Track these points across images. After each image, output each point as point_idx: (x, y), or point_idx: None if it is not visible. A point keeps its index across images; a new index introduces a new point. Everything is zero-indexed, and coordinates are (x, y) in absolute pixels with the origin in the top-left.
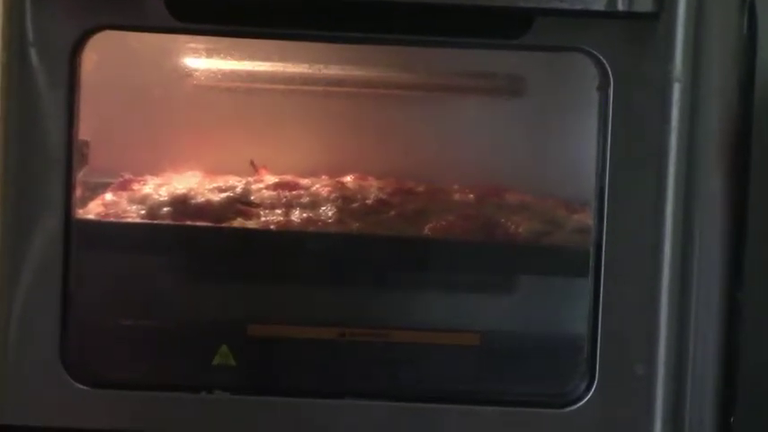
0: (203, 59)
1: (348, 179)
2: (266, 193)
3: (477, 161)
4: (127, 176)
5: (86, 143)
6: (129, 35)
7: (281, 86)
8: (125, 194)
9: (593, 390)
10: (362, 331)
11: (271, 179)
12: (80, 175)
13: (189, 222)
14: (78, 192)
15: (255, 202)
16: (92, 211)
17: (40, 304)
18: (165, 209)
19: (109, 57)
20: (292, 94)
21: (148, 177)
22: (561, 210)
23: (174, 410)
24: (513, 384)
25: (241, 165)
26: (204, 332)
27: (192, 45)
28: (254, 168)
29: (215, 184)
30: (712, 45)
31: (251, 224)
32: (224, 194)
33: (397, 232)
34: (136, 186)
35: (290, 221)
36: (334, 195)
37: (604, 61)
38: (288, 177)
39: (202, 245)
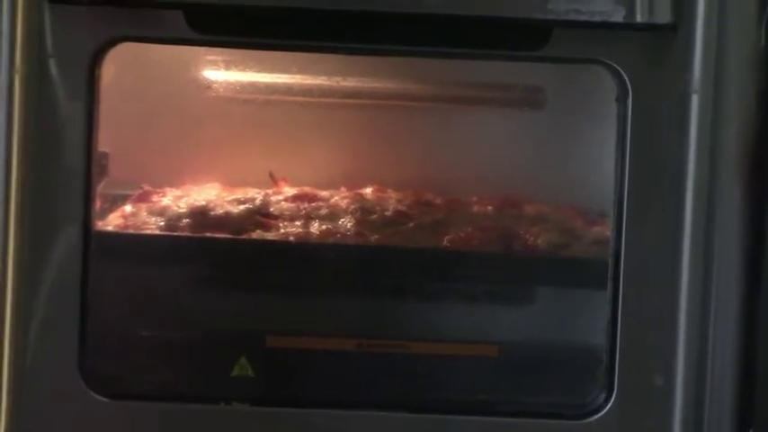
0: (222, 71)
1: (367, 191)
2: (285, 205)
3: (495, 172)
4: (146, 188)
5: (106, 155)
6: (148, 47)
7: (300, 98)
8: (144, 206)
9: (611, 401)
10: (381, 342)
11: (290, 191)
12: (99, 187)
13: (208, 234)
14: (98, 204)
15: (274, 213)
16: (111, 222)
17: (60, 316)
18: (185, 221)
19: (128, 68)
20: (311, 105)
21: (168, 189)
22: (579, 221)
23: (192, 422)
24: (531, 396)
25: (260, 177)
26: (223, 343)
27: (211, 57)
28: (273, 180)
29: (234, 196)
30: (731, 56)
31: (270, 236)
32: (243, 206)
33: (416, 244)
34: (155, 198)
35: (309, 233)
36: (352, 207)
37: (623, 73)
38: (307, 189)
39: (221, 257)
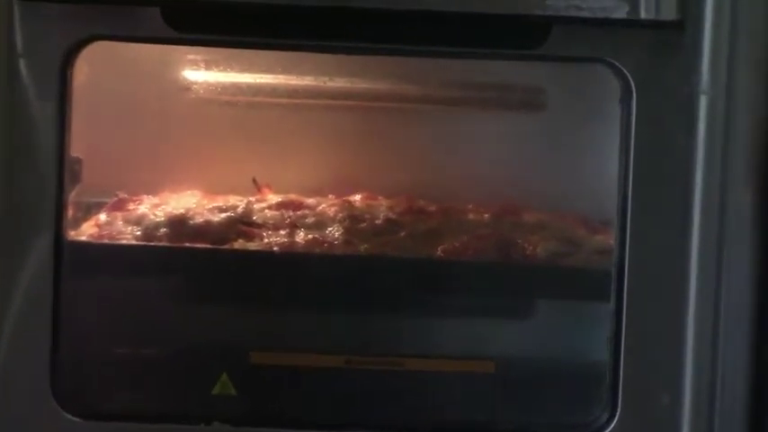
0: (202, 72)
1: (356, 198)
2: (269, 213)
3: (492, 178)
4: (122, 196)
5: (79, 160)
6: (123, 46)
7: (285, 100)
8: (120, 215)
9: (615, 420)
10: (371, 359)
11: (274, 198)
12: (72, 195)
13: (187, 244)
14: (70, 212)
15: (258, 222)
16: (84, 232)
17: (30, 331)
18: (162, 230)
19: (102, 69)
20: (296, 107)
21: (144, 197)
22: (581, 229)
23: None
24: (530, 415)
25: (242, 183)
26: (203, 360)
27: (191, 56)
28: (256, 187)
29: (215, 204)
30: (740, 55)
31: (253, 246)
32: (224, 215)
33: (408, 254)
34: (131, 206)
35: (295, 243)
36: (341, 215)
37: (626, 72)
38: (292, 196)
39: (202, 268)
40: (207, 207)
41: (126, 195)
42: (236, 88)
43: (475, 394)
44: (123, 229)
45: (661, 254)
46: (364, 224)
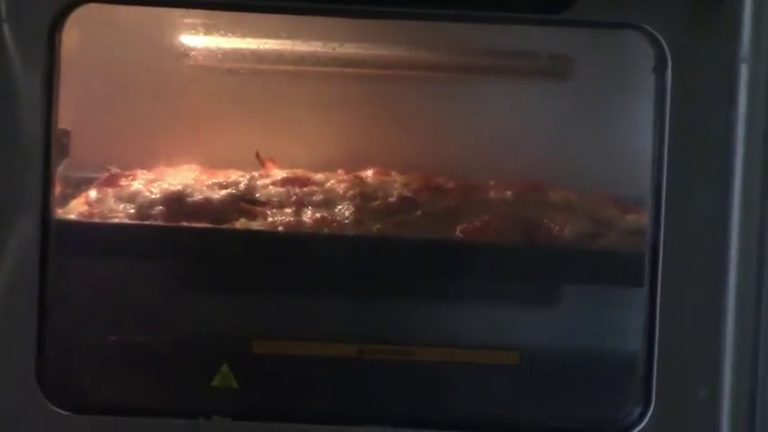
0: (201, 37)
1: (368, 174)
2: (273, 190)
3: (515, 153)
4: (113, 171)
5: (67, 133)
6: (115, 9)
7: (291, 67)
8: (111, 191)
9: (648, 416)
10: (384, 348)
11: (279, 174)
12: (60, 170)
13: (185, 223)
14: (58, 189)
15: (261, 199)
16: (73, 210)
17: (14, 317)
18: (158, 208)
19: (93, 34)
20: (303, 76)
21: (138, 172)
22: (612, 208)
23: None
24: (556, 410)
25: (244, 157)
26: (202, 349)
27: (189, 20)
28: (259, 161)
29: (215, 180)
30: None
31: (256, 225)
32: (225, 191)
33: (424, 235)
34: (124, 182)
35: (301, 222)
36: (351, 192)
37: (661, 39)
38: (298, 172)
39: (200, 249)
40: (206, 183)
41: (118, 170)
42: (238, 55)
43: (497, 387)
44: (115, 207)
45: (698, 235)
46: (377, 202)
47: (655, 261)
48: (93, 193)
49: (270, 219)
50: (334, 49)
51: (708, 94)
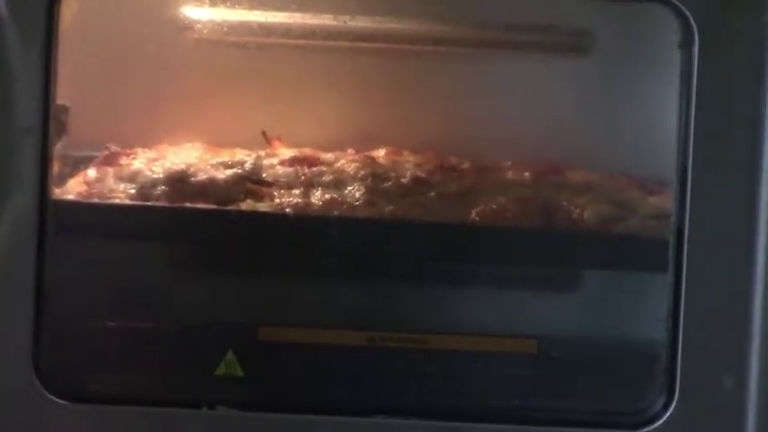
0: (206, 9)
1: (379, 153)
2: (281, 170)
3: (533, 132)
4: (113, 149)
5: (65, 109)
6: None
7: (300, 41)
8: (111, 170)
9: (672, 407)
10: (395, 336)
11: (286, 153)
12: (58, 148)
13: (188, 204)
14: (55, 167)
15: (268, 180)
16: (71, 190)
17: (10, 302)
18: (160, 188)
19: (93, 6)
20: (313, 50)
21: (139, 150)
22: (635, 191)
23: (168, 430)
24: (576, 401)
25: (250, 135)
26: (206, 336)
27: None
28: (266, 140)
29: (219, 159)
30: None
31: (263, 207)
32: (230, 171)
33: (438, 217)
34: (124, 161)
35: (310, 204)
36: (362, 173)
37: (687, 13)
38: (307, 151)
39: (204, 231)
40: (210, 162)
41: (118, 148)
42: (245, 28)
43: (514, 377)
44: (115, 187)
45: (725, 219)
46: (389, 183)
47: (680, 246)
48: (91, 173)
49: (277, 200)
50: (345, 22)
51: (735, 72)
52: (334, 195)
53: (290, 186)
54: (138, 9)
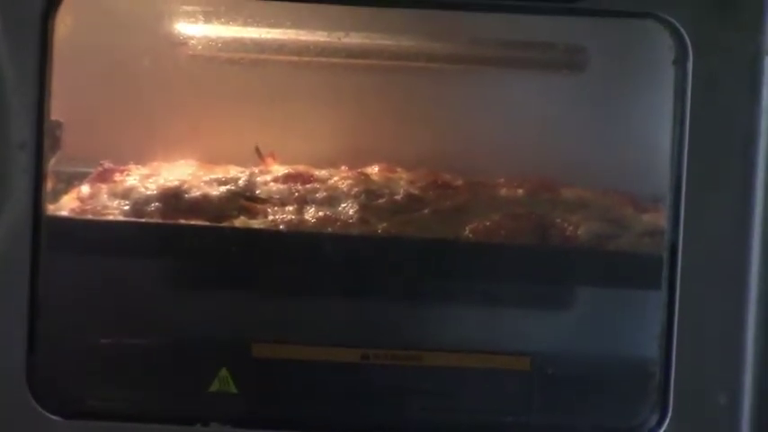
0: (200, 25)
1: (373, 170)
2: (275, 187)
3: (527, 149)
4: (107, 165)
5: (59, 124)
6: None
7: (294, 58)
8: (105, 187)
9: (665, 424)
10: (389, 354)
11: (280, 170)
12: (51, 164)
13: (182, 221)
14: (49, 183)
15: (262, 197)
16: (65, 206)
17: (3, 318)
18: (154, 204)
19: (87, 22)
20: (306, 67)
21: (133, 166)
22: (628, 208)
23: None
24: (570, 418)
25: (244, 152)
26: (200, 353)
27: (187, 7)
28: (259, 156)
29: (213, 176)
30: None
31: (256, 224)
32: (224, 188)
33: (432, 234)
34: (118, 177)
35: (304, 221)
36: (355, 190)
37: (682, 29)
38: (300, 168)
39: (198, 248)
40: (204, 179)
41: (112, 165)
42: (239, 44)
43: (508, 394)
44: (109, 204)
45: (719, 236)
46: (382, 200)
47: (673, 263)
48: (85, 189)
49: (271, 217)
50: (339, 38)
51: (730, 89)
52: (328, 212)
53: (283, 203)
54: (133, 25)
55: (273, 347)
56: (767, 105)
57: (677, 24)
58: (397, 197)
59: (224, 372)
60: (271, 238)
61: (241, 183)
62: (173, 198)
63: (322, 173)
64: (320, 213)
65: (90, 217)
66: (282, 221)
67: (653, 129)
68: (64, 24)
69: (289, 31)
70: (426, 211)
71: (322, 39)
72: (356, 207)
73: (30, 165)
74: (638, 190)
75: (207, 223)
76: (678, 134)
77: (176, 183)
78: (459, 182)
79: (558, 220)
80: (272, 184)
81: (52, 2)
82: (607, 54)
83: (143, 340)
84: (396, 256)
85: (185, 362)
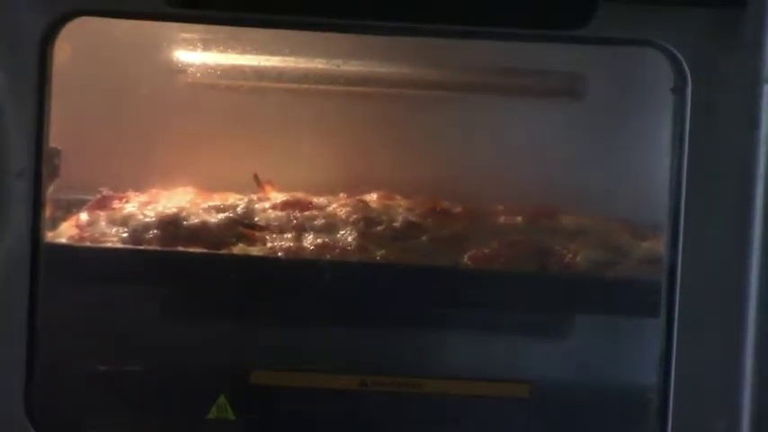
0: (199, 53)
1: (371, 197)
2: (273, 214)
3: (525, 176)
4: (105, 192)
5: (58, 152)
6: (110, 23)
7: (293, 85)
8: (103, 214)
9: None
10: (388, 380)
11: (278, 197)
12: (50, 191)
13: (180, 248)
14: (47, 211)
15: (260, 224)
16: (63, 233)
17: (2, 345)
18: (153, 232)
19: (86, 49)
20: (305, 94)
21: (131, 194)
22: (627, 235)
23: None
24: None
25: (242, 179)
26: (198, 380)
27: (186, 35)
28: (257, 184)
29: (211, 203)
30: None
31: (255, 251)
32: (223, 215)
33: (430, 261)
34: (117, 204)
35: (302, 248)
36: (354, 217)
37: (681, 58)
38: (299, 195)
39: (197, 275)
40: (202, 206)
41: (110, 192)
42: (238, 72)
43: (507, 421)
44: (107, 231)
45: (717, 263)
46: (381, 227)
47: (672, 290)
48: (83, 216)
49: (269, 244)
50: (337, 66)
51: (728, 116)
52: (327, 240)
53: (281, 230)
54: (131, 53)
55: (272, 374)
56: (766, 133)
57: (676, 52)
58: (396, 224)
59: (222, 399)
60: (269, 265)
61: (239, 210)
62: (171, 225)
63: (320, 200)
64: (319, 240)
65: (88, 244)
66: (281, 249)
67: (652, 156)
68: (62, 52)
69: (287, 58)
70: (425, 238)
71: (320, 66)
72: (355, 234)
73: (28, 192)
74: (636, 217)
75: (205, 250)
76: (677, 161)
77: (175, 210)
78: (458, 209)
79: (557, 248)
80: (270, 211)
81: (51, 29)
82: (607, 82)
83: (141, 367)
84: (394, 283)
85: (183, 389)
